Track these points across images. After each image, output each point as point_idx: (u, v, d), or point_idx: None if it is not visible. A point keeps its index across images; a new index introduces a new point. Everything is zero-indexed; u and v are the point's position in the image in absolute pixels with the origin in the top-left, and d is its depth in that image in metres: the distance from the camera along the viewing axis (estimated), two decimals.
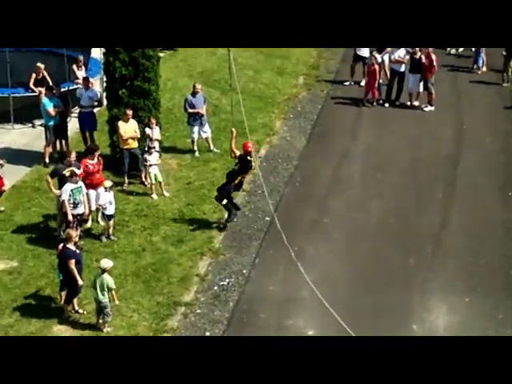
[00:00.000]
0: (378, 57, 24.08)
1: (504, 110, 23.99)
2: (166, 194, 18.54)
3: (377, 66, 23.71)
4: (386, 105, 24.20)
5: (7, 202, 17.95)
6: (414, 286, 15.61)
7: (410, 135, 22.27)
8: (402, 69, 24.05)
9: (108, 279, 13.89)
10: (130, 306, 14.81)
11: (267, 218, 17.69)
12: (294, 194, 19.10)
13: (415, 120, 23.28)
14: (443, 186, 19.42)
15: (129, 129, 18.49)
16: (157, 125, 19.07)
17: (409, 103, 24.09)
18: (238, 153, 17.29)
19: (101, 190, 16.77)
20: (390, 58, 24.33)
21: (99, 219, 17.14)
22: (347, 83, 25.79)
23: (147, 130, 18.83)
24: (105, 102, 20.86)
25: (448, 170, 20.22)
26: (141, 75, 18.74)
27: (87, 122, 20.28)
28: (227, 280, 15.76)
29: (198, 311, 14.85)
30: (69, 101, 20.37)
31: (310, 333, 14.26)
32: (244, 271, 16.04)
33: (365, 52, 24.85)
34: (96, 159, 17.12)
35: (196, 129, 20.47)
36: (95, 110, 20.63)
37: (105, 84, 20.65)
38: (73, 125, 20.71)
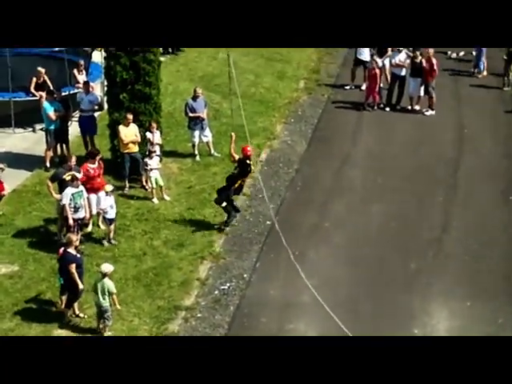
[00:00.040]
0: (379, 61, 24.08)
1: (505, 114, 23.98)
2: (167, 197, 18.54)
3: (377, 70, 23.70)
4: (387, 109, 24.19)
5: (8, 206, 17.94)
6: (415, 290, 15.59)
7: (410, 139, 22.26)
8: (403, 73, 24.04)
9: (109, 283, 13.88)
10: (130, 310, 14.80)
11: (268, 222, 17.68)
12: (295, 198, 19.09)
13: (416, 124, 23.28)
14: (444, 190, 19.41)
15: (129, 133, 18.49)
16: (158, 129, 19.08)
17: (409, 107, 24.09)
18: (237, 157, 17.33)
19: (102, 194, 16.78)
20: (390, 62, 24.33)
21: (100, 223, 17.14)
22: (348, 87, 25.79)
23: (148, 135, 18.83)
24: (106, 106, 20.86)
25: (449, 174, 20.22)
26: (142, 79, 18.74)
27: (87, 126, 20.27)
28: (228, 284, 15.75)
29: (199, 315, 14.83)
30: (70, 105, 20.38)
31: None
32: (245, 275, 16.03)
33: (365, 56, 24.87)
34: (97, 163, 17.11)
35: (197, 133, 20.48)
36: (96, 114, 20.65)
37: (106, 88, 20.65)
38: (74, 129, 20.70)
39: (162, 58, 20.47)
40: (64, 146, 20.20)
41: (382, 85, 24.29)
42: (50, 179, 16.95)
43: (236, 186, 17.34)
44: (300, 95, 25.27)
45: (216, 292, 15.52)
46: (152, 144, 18.70)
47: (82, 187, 16.12)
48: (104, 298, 13.87)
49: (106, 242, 16.68)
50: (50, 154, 19.82)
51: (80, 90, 21.10)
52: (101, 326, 14.09)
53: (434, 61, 23.44)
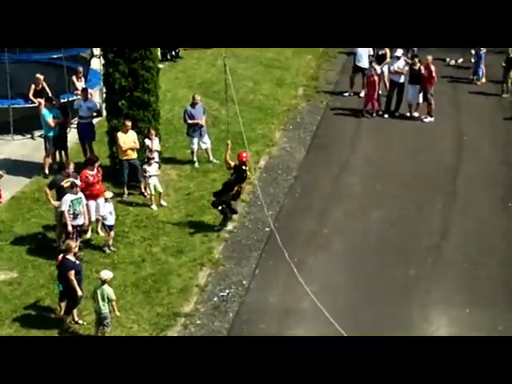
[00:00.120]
0: (378, 68, 24.14)
1: (504, 120, 24.01)
2: (164, 203, 18.52)
3: (376, 77, 23.74)
4: (386, 116, 24.22)
5: (7, 213, 17.95)
6: (415, 296, 15.58)
7: (409, 146, 22.28)
8: (402, 80, 24.07)
9: (108, 290, 13.86)
10: (129, 316, 14.78)
11: (267, 229, 17.67)
12: (294, 205, 19.09)
13: (415, 131, 23.30)
14: (443, 196, 19.41)
15: (128, 140, 18.49)
16: (156, 136, 19.08)
17: (408, 114, 24.11)
18: (232, 163, 17.43)
19: (100, 200, 16.78)
20: (389, 68, 24.40)
21: (99, 230, 17.13)
22: (346, 94, 25.83)
23: (147, 141, 18.83)
24: (104, 112, 20.87)
25: (448, 181, 20.22)
26: (140, 86, 18.76)
27: (86, 133, 20.28)
28: (227, 291, 15.73)
29: (198, 322, 14.81)
30: (68, 112, 20.42)
31: None
32: (244, 282, 16.01)
33: (364, 63, 24.92)
34: (96, 170, 17.12)
35: (195, 140, 20.48)
36: (94, 120, 20.66)
37: (104, 95, 20.67)
38: (72, 136, 20.71)
39: (160, 65, 20.49)
40: (63, 152, 20.21)
41: (380, 92, 24.34)
42: (48, 186, 16.95)
43: (233, 192, 17.41)
44: (299, 102, 25.29)
45: (215, 299, 15.50)
46: (151, 151, 18.70)
47: (80, 194, 16.13)
48: (103, 305, 13.85)
49: (107, 249, 16.66)
50: (49, 160, 19.82)
51: (79, 96, 21.11)
52: (100, 332, 14.07)
53: (433, 68, 23.47)
